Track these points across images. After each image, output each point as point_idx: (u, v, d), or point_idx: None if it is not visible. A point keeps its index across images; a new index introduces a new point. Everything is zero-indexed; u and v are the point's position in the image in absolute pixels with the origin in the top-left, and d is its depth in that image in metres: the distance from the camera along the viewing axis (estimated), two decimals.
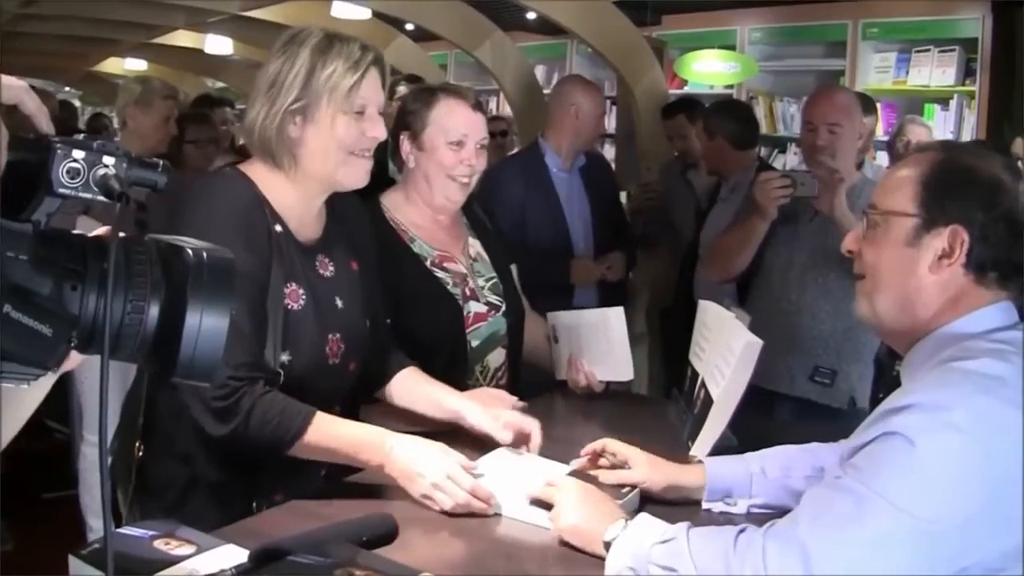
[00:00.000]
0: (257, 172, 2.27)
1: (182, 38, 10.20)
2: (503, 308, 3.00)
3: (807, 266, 3.65)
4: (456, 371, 2.82)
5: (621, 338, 3.00)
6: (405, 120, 2.89)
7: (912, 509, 1.47)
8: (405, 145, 2.88)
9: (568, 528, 1.90)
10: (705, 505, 2.17)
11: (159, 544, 1.64)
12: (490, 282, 3.01)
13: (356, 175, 2.29)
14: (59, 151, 1.10)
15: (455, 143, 2.84)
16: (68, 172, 1.09)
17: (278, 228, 2.24)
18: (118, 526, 1.93)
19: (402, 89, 6.36)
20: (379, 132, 2.27)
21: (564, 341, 3.10)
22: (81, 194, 1.10)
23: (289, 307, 2.22)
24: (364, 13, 7.64)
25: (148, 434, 2.30)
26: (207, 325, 1.12)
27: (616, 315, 3.05)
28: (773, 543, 1.56)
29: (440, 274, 2.90)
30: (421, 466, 2.09)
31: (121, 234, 1.11)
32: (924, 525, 1.46)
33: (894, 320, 1.77)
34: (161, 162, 1.16)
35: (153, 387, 2.29)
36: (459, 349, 2.89)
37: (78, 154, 1.10)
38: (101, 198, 1.10)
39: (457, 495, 2.06)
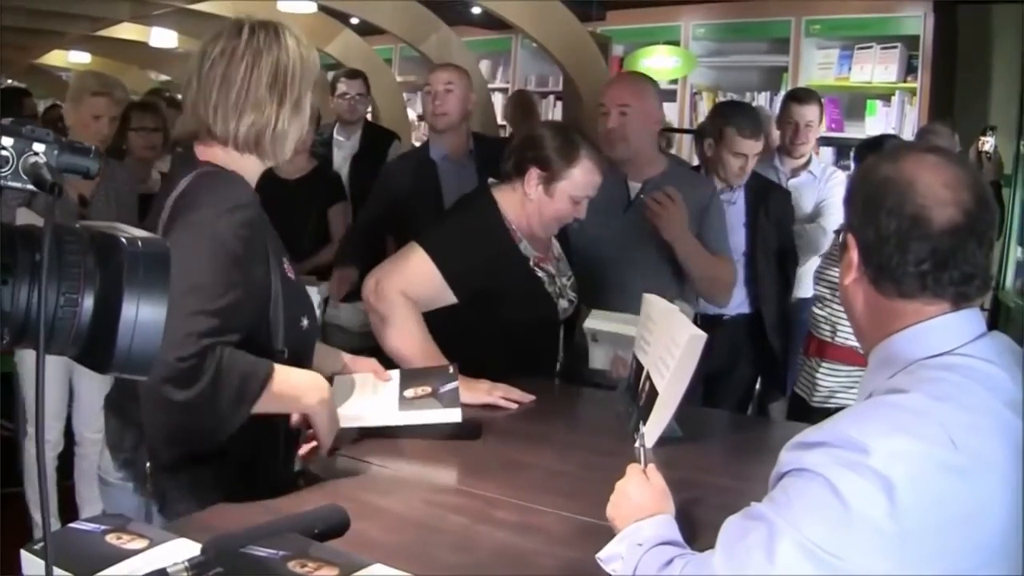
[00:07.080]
0: (226, 160, 2.18)
1: (127, 31, 10.07)
2: (576, 303, 3.31)
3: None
4: (549, 359, 3.23)
5: None
6: (542, 159, 3.07)
7: (823, 544, 1.37)
8: (534, 179, 3.07)
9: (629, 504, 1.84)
10: None
11: (111, 538, 1.63)
12: (571, 280, 3.31)
13: None
14: None
15: (578, 199, 3.09)
16: None
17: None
18: (69, 521, 1.92)
19: (342, 86, 6.30)
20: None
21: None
22: (11, 183, 1.05)
23: (291, 278, 2.23)
24: (309, 7, 7.61)
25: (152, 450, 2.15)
26: (144, 316, 1.08)
27: None
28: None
29: (540, 274, 3.18)
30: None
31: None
32: (833, 560, 1.37)
33: (854, 330, 1.70)
34: (93, 147, 1.12)
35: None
36: (553, 340, 3.24)
37: (6, 141, 1.05)
38: (31, 187, 1.05)
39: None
